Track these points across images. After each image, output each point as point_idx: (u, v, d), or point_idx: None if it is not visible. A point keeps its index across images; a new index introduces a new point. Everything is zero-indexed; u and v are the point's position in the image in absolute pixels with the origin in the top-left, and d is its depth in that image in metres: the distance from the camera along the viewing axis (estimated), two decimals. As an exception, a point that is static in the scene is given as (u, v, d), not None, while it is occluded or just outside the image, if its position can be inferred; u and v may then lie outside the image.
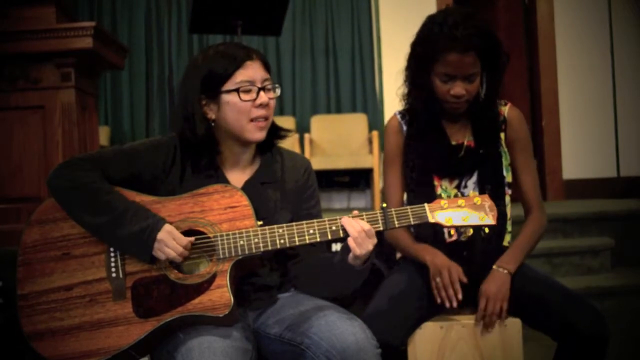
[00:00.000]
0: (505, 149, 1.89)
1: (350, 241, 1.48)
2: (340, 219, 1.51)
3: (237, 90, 1.56)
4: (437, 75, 1.78)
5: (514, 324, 1.76)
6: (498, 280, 1.75)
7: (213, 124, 1.61)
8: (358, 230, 1.48)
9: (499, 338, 1.75)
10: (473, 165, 1.86)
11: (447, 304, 1.72)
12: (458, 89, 1.76)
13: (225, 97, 1.58)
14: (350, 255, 1.50)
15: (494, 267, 1.78)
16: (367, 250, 1.48)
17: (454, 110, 1.83)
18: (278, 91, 1.64)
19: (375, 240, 1.50)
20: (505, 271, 1.76)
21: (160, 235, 1.46)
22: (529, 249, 1.85)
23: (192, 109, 1.59)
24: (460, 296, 1.72)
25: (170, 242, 1.46)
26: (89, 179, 1.52)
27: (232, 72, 1.57)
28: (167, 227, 1.48)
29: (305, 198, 1.71)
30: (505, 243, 1.89)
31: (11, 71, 2.60)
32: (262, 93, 1.58)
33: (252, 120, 1.58)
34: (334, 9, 5.74)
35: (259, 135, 1.61)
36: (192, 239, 1.50)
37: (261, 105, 1.58)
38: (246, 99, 1.57)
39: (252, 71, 1.58)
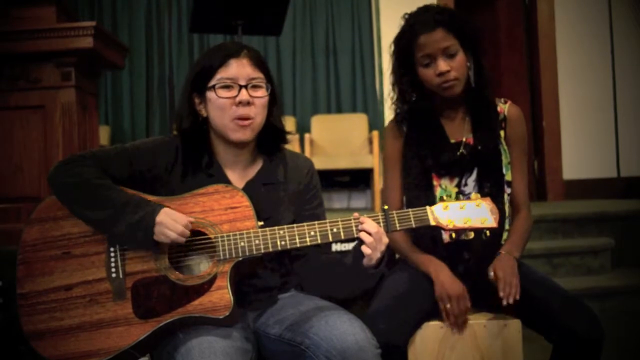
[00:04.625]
0: (505, 147, 1.89)
1: (364, 248, 1.48)
2: (356, 229, 1.49)
3: (215, 87, 1.56)
4: (419, 65, 1.83)
5: (514, 324, 1.76)
6: (507, 261, 1.74)
7: (202, 120, 1.61)
8: (373, 232, 1.48)
9: (499, 338, 1.75)
10: (472, 163, 1.87)
11: (455, 330, 1.75)
12: (442, 65, 1.79)
13: (208, 94, 1.58)
14: (365, 259, 1.49)
15: (501, 251, 1.78)
16: (380, 251, 1.49)
17: (448, 92, 1.83)
18: (268, 90, 1.61)
19: (386, 241, 1.50)
20: (510, 255, 1.77)
21: (159, 218, 1.45)
22: (524, 244, 1.86)
23: (181, 104, 1.60)
24: (466, 326, 1.75)
25: (169, 222, 1.45)
26: (90, 175, 1.51)
27: (216, 68, 1.56)
28: (165, 209, 1.47)
29: (308, 199, 1.71)
30: (503, 241, 1.89)
31: (11, 71, 2.61)
32: (243, 91, 1.56)
33: (233, 118, 1.56)
34: (334, 9, 5.74)
35: (241, 134, 1.58)
36: (192, 218, 1.49)
37: (241, 103, 1.55)
38: (224, 96, 1.55)
39: (235, 68, 1.56)
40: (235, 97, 1.55)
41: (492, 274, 1.74)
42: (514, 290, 1.69)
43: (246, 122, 1.57)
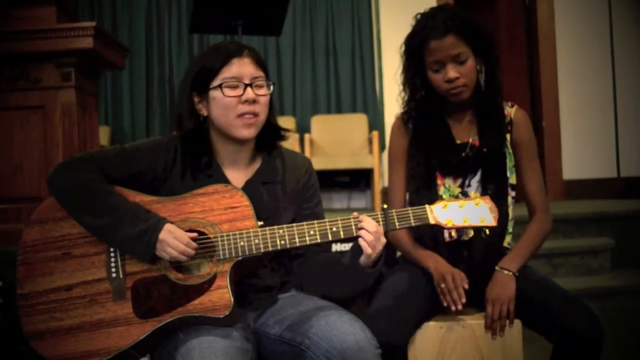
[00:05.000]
0: (510, 150, 1.89)
1: (364, 246, 1.48)
2: (355, 227, 1.50)
3: (221, 86, 1.56)
4: (429, 69, 1.83)
5: (514, 324, 1.76)
6: (501, 282, 1.75)
7: (202, 120, 1.61)
8: (372, 231, 1.48)
9: (499, 338, 1.75)
10: (477, 164, 1.87)
11: (453, 308, 1.73)
12: (451, 72, 1.79)
13: (212, 93, 1.58)
14: (362, 257, 1.50)
15: (496, 268, 1.78)
16: (378, 250, 1.49)
17: (456, 98, 1.83)
18: (271, 88, 1.62)
19: (384, 240, 1.50)
20: (507, 272, 1.76)
21: (162, 235, 1.46)
22: (532, 249, 1.85)
23: (181, 105, 1.61)
24: (464, 300, 1.73)
25: (172, 241, 1.46)
26: (90, 180, 1.52)
27: (218, 68, 1.57)
28: (167, 226, 1.48)
29: (307, 197, 1.71)
30: (505, 244, 1.89)
31: (11, 71, 2.60)
32: (249, 89, 1.57)
33: (238, 116, 1.57)
34: (334, 9, 5.74)
35: (247, 132, 1.59)
36: (194, 235, 1.50)
37: (247, 102, 1.56)
38: (230, 95, 1.56)
39: (238, 67, 1.57)
40: (240, 95, 1.56)
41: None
42: (504, 321, 1.72)
43: (252, 120, 1.58)
